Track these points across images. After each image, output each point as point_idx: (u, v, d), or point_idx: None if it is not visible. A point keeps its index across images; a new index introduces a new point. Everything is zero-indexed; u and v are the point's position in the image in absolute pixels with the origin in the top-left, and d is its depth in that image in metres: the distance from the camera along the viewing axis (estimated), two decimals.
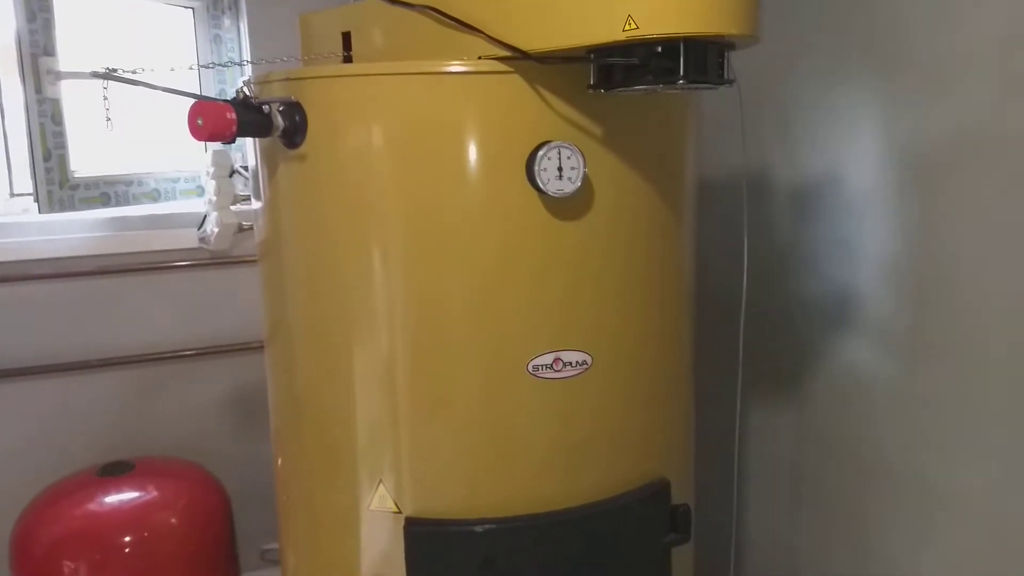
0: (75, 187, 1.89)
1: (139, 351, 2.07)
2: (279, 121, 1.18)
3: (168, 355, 2.09)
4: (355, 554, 1.32)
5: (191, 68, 2.10)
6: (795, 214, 1.78)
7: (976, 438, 1.39)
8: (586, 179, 1.15)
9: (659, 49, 1.02)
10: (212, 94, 2.15)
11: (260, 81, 1.27)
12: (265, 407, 2.19)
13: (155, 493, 1.85)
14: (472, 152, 1.16)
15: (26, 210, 2.02)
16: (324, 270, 1.27)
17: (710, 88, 1.08)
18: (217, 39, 2.18)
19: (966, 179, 1.36)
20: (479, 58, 1.14)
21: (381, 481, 1.25)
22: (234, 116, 1.12)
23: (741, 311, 1.41)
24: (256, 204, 1.43)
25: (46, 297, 1.98)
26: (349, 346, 1.27)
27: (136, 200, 2.06)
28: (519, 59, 1.10)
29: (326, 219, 1.24)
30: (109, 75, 1.19)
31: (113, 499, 1.81)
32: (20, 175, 1.99)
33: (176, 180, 2.14)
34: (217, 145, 2.10)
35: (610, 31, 1.00)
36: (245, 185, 2.09)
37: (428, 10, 1.17)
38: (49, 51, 1.80)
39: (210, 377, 2.16)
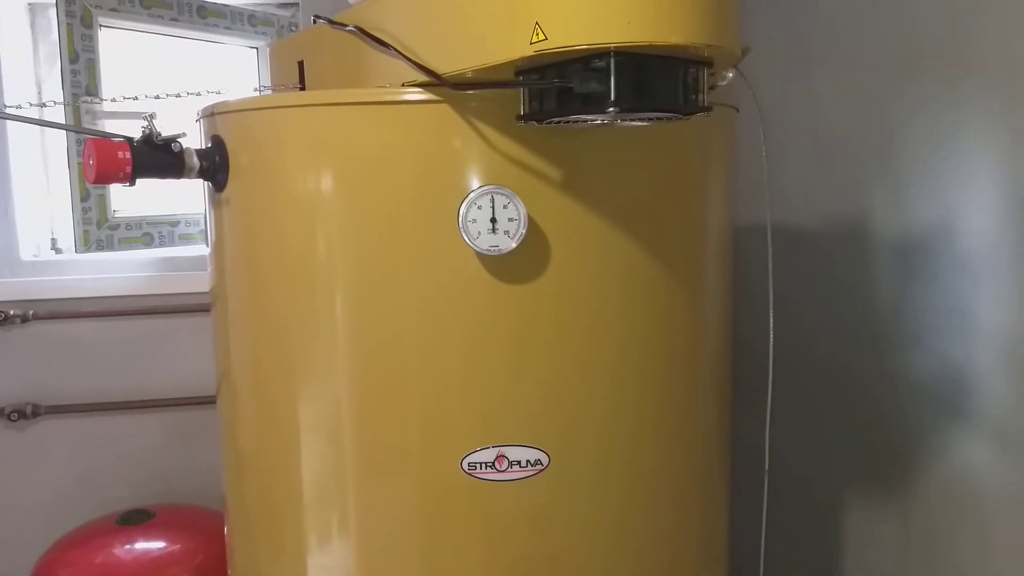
0: (115, 227, 1.86)
1: (183, 393, 2.01)
2: (193, 161, 1.03)
3: (207, 400, 2.01)
4: None
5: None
6: (899, 274, 1.43)
7: None
8: (532, 232, 0.91)
9: (592, 66, 0.77)
10: None
11: (199, 116, 1.13)
12: None
13: (172, 546, 1.75)
14: (398, 196, 0.96)
15: (83, 250, 2.02)
16: (261, 322, 1.10)
17: (669, 119, 0.81)
18: None
19: None
20: (402, 85, 0.93)
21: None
22: (128, 156, 0.98)
23: (769, 386, 1.10)
24: (206, 250, 1.30)
25: (88, 336, 1.97)
26: (291, 405, 1.08)
27: (182, 240, 2.01)
28: (435, 85, 0.88)
29: (259, 265, 1.08)
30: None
31: (129, 550, 1.73)
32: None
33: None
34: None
35: (517, 46, 0.76)
36: None
37: (355, 31, 0.98)
38: (91, 91, 1.79)
39: None
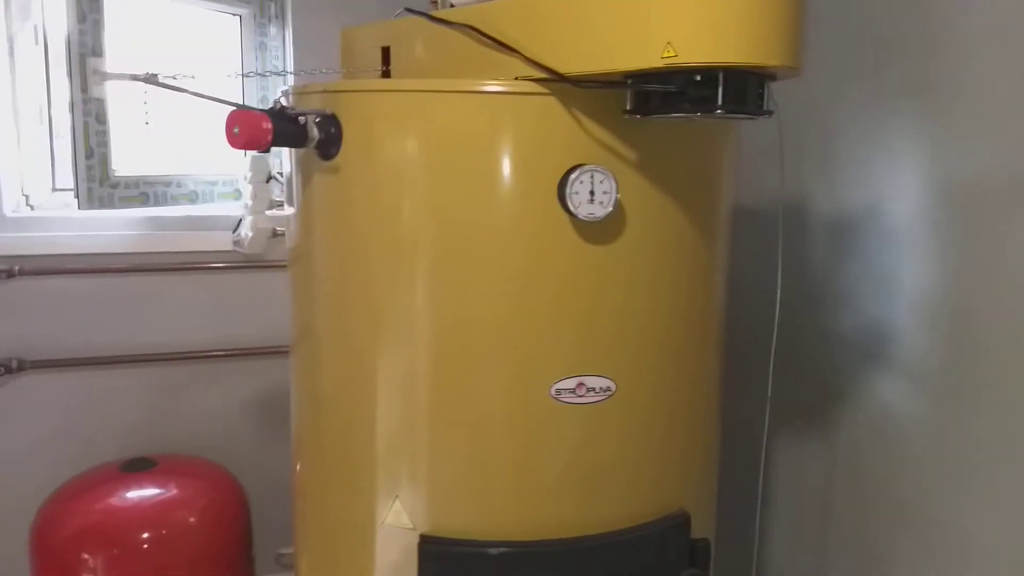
0: (115, 185, 1.92)
1: (167, 349, 2.09)
2: (314, 133, 1.18)
3: (195, 355, 2.11)
4: (368, 567, 1.32)
5: (235, 75, 2.13)
6: (832, 247, 1.75)
7: (1013, 482, 1.35)
8: (617, 204, 1.13)
9: (698, 77, 1.01)
10: (254, 102, 2.17)
11: (298, 92, 1.28)
12: (287, 412, 2.21)
13: (175, 491, 1.86)
14: (504, 172, 1.16)
15: (67, 205, 2.05)
16: (352, 280, 1.27)
17: (748, 118, 1.07)
18: (262, 47, 2.20)
19: (1009, 217, 1.33)
20: (515, 78, 1.13)
21: (397, 497, 1.25)
22: (270, 126, 1.13)
23: (772, 342, 1.39)
24: (289, 210, 1.44)
25: (80, 292, 2.01)
26: (373, 357, 1.27)
27: (174, 201, 2.09)
28: (555, 81, 1.09)
29: (357, 230, 1.24)
30: (151, 79, 1.20)
31: (134, 495, 1.83)
32: (62, 171, 2.03)
33: (214, 183, 2.16)
34: (255, 151, 2.12)
35: (648, 58, 0.99)
36: (281, 191, 2.11)
37: (467, 29, 1.17)
38: (97, 52, 1.83)
39: (234, 379, 2.17)
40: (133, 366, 2.07)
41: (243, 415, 2.18)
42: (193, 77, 1.34)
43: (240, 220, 2.06)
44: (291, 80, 2.11)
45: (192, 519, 1.83)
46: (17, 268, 1.95)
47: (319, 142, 1.19)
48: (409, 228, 1.20)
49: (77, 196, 1.88)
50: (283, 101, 1.16)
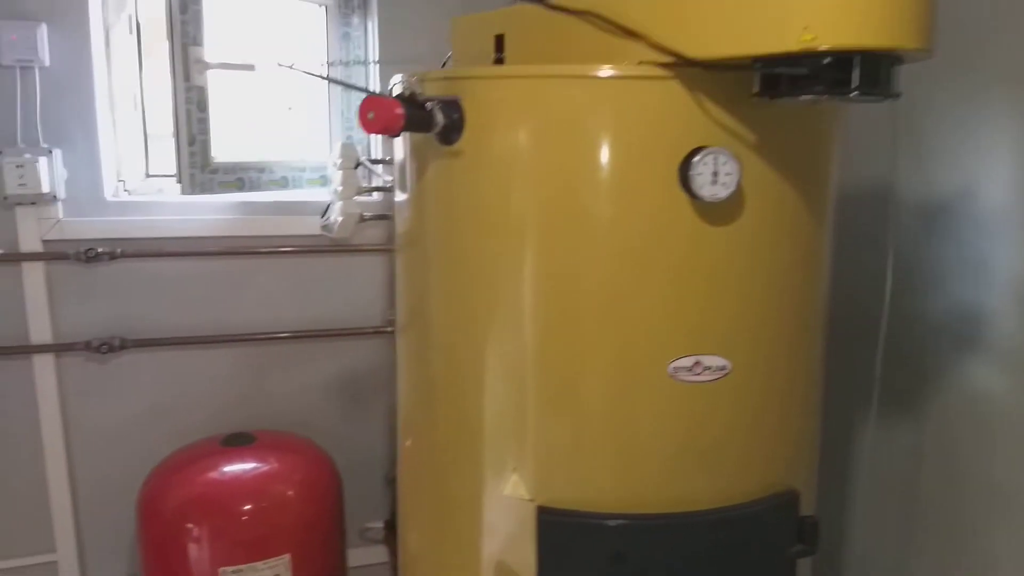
0: (215, 171, 1.99)
1: (258, 330, 2.15)
2: (439, 118, 1.22)
3: (284, 335, 2.17)
4: (481, 538, 1.36)
5: (323, 64, 2.18)
6: (925, 231, 1.75)
7: None
8: (739, 185, 1.16)
9: (828, 60, 1.03)
10: (339, 91, 2.21)
11: (420, 79, 1.32)
12: (370, 390, 2.26)
13: (274, 465, 1.93)
14: (625, 155, 1.18)
15: (160, 190, 2.12)
16: (467, 262, 1.31)
17: (878, 101, 1.08)
18: (346, 36, 2.24)
19: None
20: (639, 63, 1.16)
21: (515, 469, 1.29)
22: (402, 112, 1.16)
23: (881, 326, 1.40)
24: (400, 196, 1.48)
25: (177, 274, 2.08)
26: (486, 335, 1.30)
27: (266, 187, 2.15)
28: (683, 65, 1.12)
29: (474, 214, 1.28)
30: (290, 67, 1.25)
31: (235, 468, 1.90)
32: (155, 157, 2.10)
33: (303, 169, 2.22)
34: (345, 138, 2.18)
35: (784, 41, 1.01)
36: (368, 177, 2.16)
37: (589, 15, 1.20)
38: (198, 41, 1.89)
39: (321, 359, 2.23)
40: (226, 346, 2.14)
41: (329, 393, 2.24)
42: (291, 66, 1.38)
43: (329, 205, 2.12)
44: (377, 70, 2.15)
45: (290, 492, 1.90)
46: (119, 250, 2.02)
47: (443, 128, 1.23)
48: (528, 211, 1.23)
49: (180, 181, 1.95)
50: (412, 88, 1.20)
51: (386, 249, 2.18)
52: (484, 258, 1.29)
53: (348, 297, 2.20)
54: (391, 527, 2.27)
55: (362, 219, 2.09)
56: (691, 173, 1.14)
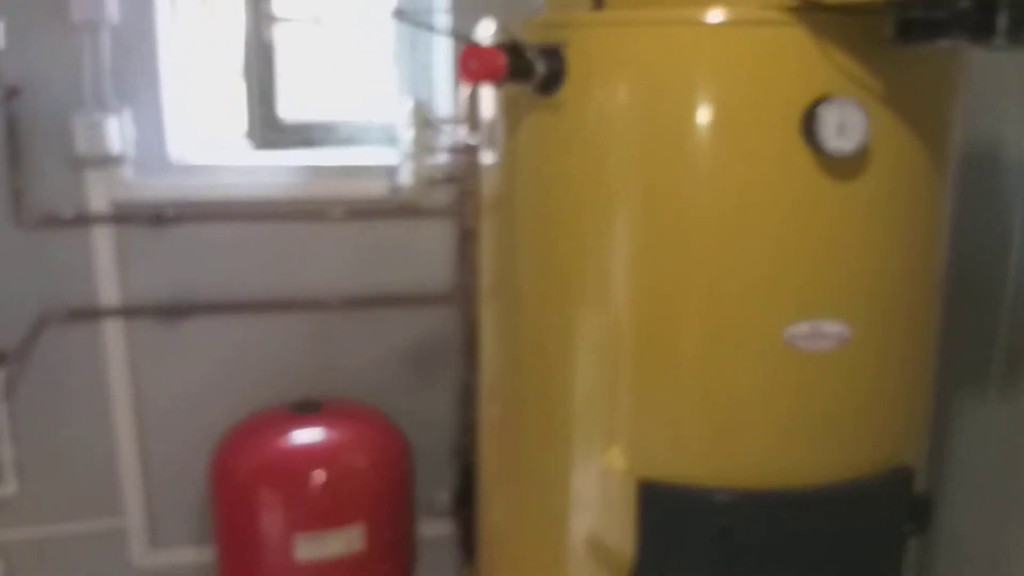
0: (283, 130, 1.94)
1: (324, 295, 2.11)
2: (541, 68, 1.15)
3: (350, 301, 2.13)
4: (572, 513, 1.31)
5: (388, 15, 2.10)
6: None
7: None
8: (865, 138, 1.07)
9: (970, 3, 0.94)
10: (405, 43, 2.13)
11: (519, 26, 1.24)
12: (438, 358, 2.21)
13: (344, 433, 1.90)
14: (740, 104, 1.11)
15: (227, 151, 2.08)
16: (560, 223, 1.25)
17: (1016, 50, 0.99)
18: None
19: None
20: (762, 7, 1.08)
21: (613, 441, 1.23)
22: (504, 61, 1.10)
23: (1005, 294, 1.31)
24: (488, 156, 1.42)
25: (243, 237, 2.04)
26: (580, 302, 1.24)
27: (333, 146, 2.10)
28: (811, 10, 1.03)
29: (570, 171, 1.21)
30: (401, 16, 1.19)
31: (306, 436, 1.87)
32: (226, 118, 2.06)
33: (369, 129, 2.16)
34: (414, 96, 2.10)
35: None
36: (439, 137, 2.09)
37: None
38: None
39: (386, 326, 2.17)
40: (291, 311, 2.10)
41: (393, 361, 2.20)
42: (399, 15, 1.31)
43: (398, 166, 2.06)
44: (446, 20, 2.07)
45: (363, 461, 1.87)
46: (186, 213, 1.99)
47: (544, 78, 1.16)
48: (631, 167, 1.16)
49: (250, 139, 1.90)
50: (514, 37, 1.13)
51: (455, 213, 2.11)
52: (580, 219, 1.22)
53: (415, 263, 2.15)
54: (458, 499, 2.23)
55: (433, 181, 2.03)
56: (815, 125, 1.06)
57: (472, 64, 1.09)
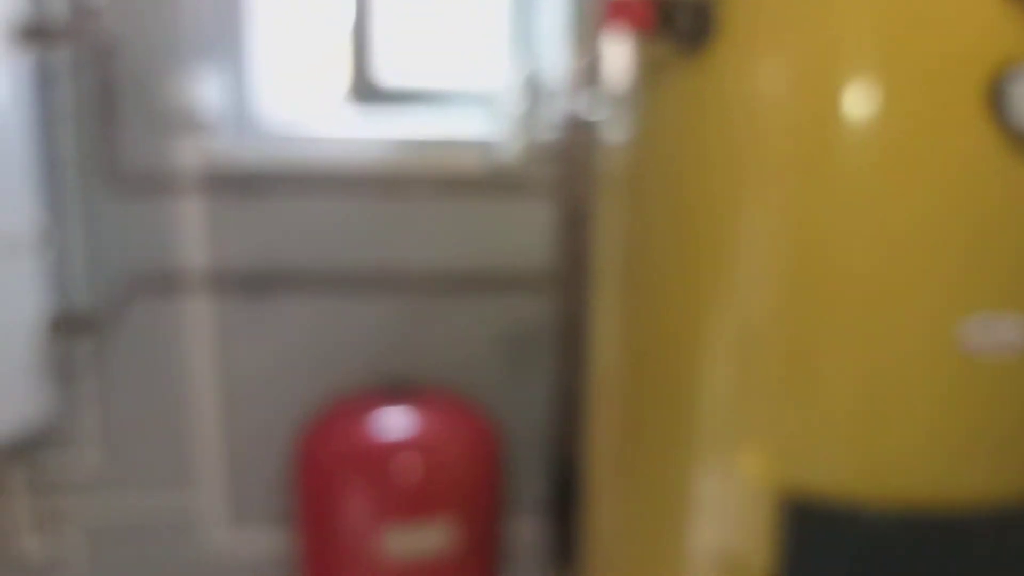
0: (382, 97, 1.85)
1: (413, 274, 2.01)
2: (688, 22, 1.02)
3: (444, 280, 2.03)
4: (695, 522, 1.19)
5: None
6: None
7: None
8: None
9: None
10: (517, 6, 2.01)
11: None
12: (533, 345, 2.10)
13: (437, 421, 1.81)
14: (915, 71, 0.96)
15: (321, 118, 2.01)
16: (700, 206, 1.12)
17: None
18: None
19: None
20: None
21: (751, 447, 1.10)
22: (653, 13, 0.98)
23: None
24: (613, 128, 1.30)
25: (334, 210, 1.96)
26: (716, 293, 1.12)
27: (435, 115, 2.00)
28: None
29: (715, 147, 1.09)
30: None
31: (397, 421, 1.78)
32: (320, 85, 1.98)
33: (472, 97, 2.05)
34: (522, 65, 1.98)
35: None
36: (544, 109, 1.97)
37: None
38: None
39: (479, 309, 2.07)
40: (380, 290, 2.01)
41: (487, 347, 2.09)
42: None
43: (501, 139, 1.95)
44: None
45: (455, 452, 1.78)
46: (275, 182, 1.91)
47: (691, 33, 1.03)
48: (791, 143, 1.03)
49: (347, 105, 1.82)
50: None
51: (559, 192, 1.99)
52: (722, 201, 1.10)
53: (512, 244, 2.03)
54: (552, 499, 2.12)
55: (537, 157, 1.92)
56: (1005, 97, 0.91)
57: (618, 16, 0.97)
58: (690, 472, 1.18)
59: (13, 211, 1.62)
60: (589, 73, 1.88)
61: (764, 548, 1.09)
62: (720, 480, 1.15)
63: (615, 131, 1.30)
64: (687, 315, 1.16)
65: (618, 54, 1.25)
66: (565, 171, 1.98)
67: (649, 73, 1.16)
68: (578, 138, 1.95)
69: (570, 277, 2.01)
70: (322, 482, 1.74)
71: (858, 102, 0.99)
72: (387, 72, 1.96)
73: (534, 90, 1.88)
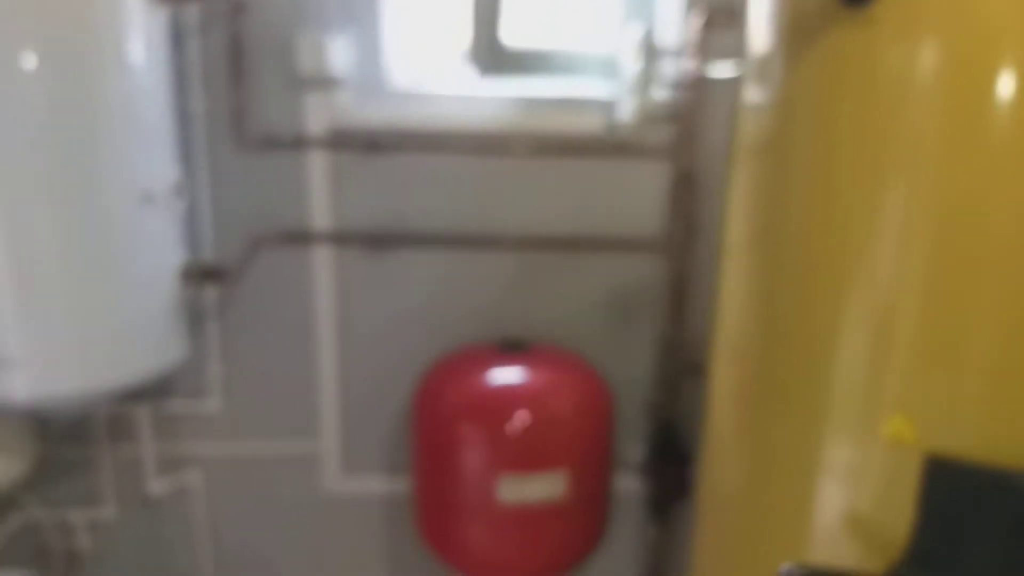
0: (505, 57, 1.86)
1: (528, 234, 2.04)
2: None
3: (556, 241, 2.04)
4: (824, 484, 1.19)
5: None
6: None
7: None
8: None
9: None
10: None
11: None
12: (639, 307, 2.11)
13: (551, 376, 1.84)
14: None
15: (443, 79, 2.03)
16: (848, 174, 1.11)
17: None
18: None
19: None
20: None
21: (890, 412, 1.10)
22: None
23: None
24: (754, 90, 1.29)
25: (453, 169, 1.99)
26: (864, 260, 1.11)
27: (552, 76, 2.00)
28: None
29: (871, 112, 1.08)
30: None
31: (513, 375, 1.82)
32: (442, 47, 2.00)
33: (590, 59, 2.04)
34: (640, 25, 1.97)
35: None
36: (661, 70, 1.95)
37: None
38: None
39: (589, 269, 2.08)
40: (495, 248, 2.04)
41: (595, 306, 2.11)
42: None
43: (617, 102, 1.95)
44: None
45: (568, 406, 1.81)
46: (399, 142, 1.95)
47: None
48: (943, 107, 1.02)
49: (471, 66, 1.84)
50: None
51: (672, 154, 1.98)
52: (869, 165, 1.09)
53: (624, 205, 2.04)
54: (652, 455, 2.15)
55: (654, 118, 1.91)
56: None
57: None
58: (821, 435, 1.19)
59: (150, 165, 1.68)
60: (702, 34, 1.87)
61: (904, 511, 1.09)
62: (859, 444, 1.15)
63: (756, 92, 1.29)
64: (829, 281, 1.16)
65: (764, 8, 1.24)
66: (678, 134, 1.97)
67: (803, 28, 1.14)
68: (691, 100, 1.94)
69: (680, 239, 2.02)
70: (440, 432, 1.79)
71: (1013, 76, 0.97)
72: (509, 34, 1.96)
73: (651, 51, 1.87)
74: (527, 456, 1.73)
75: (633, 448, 2.13)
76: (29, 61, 1.45)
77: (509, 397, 1.77)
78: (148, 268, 1.70)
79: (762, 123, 1.28)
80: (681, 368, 2.09)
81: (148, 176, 1.67)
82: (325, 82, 1.87)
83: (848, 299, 1.14)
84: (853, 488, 1.18)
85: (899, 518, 1.11)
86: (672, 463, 2.09)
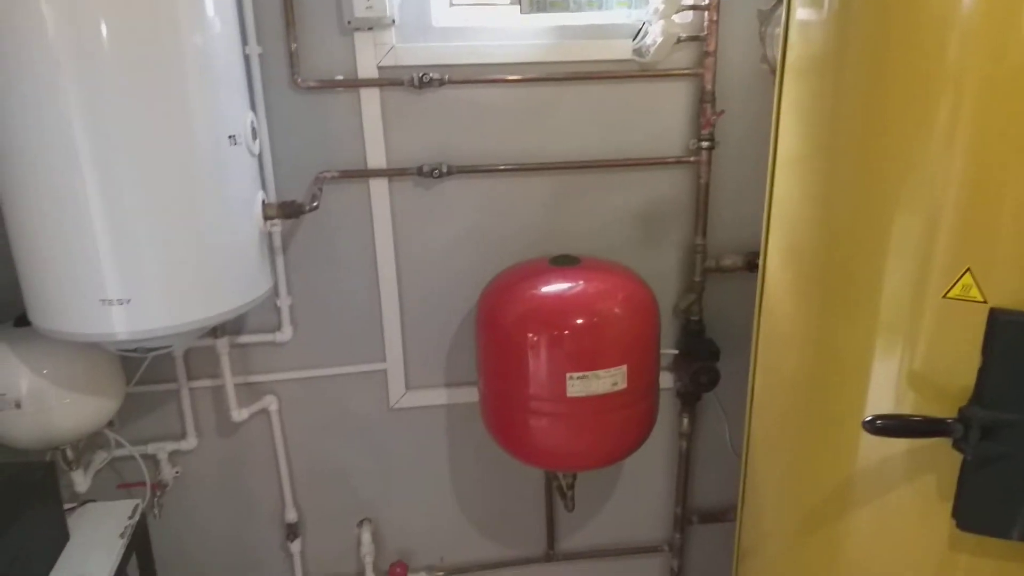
0: None
1: (565, 159, 2.20)
2: None
3: (589, 164, 2.21)
4: (889, 340, 1.32)
5: None
6: None
7: None
8: None
9: None
10: None
11: None
12: (666, 220, 2.30)
13: (605, 284, 2.03)
14: None
15: (484, 13, 2.14)
16: (898, 75, 1.21)
17: None
18: None
19: None
20: None
21: (968, 270, 1.21)
22: None
23: None
24: (807, 9, 1.43)
25: (495, 101, 2.14)
26: (914, 160, 1.22)
27: (578, 8, 2.14)
28: None
29: (920, 26, 1.18)
30: None
31: (567, 285, 2.01)
32: None
33: None
34: None
35: None
36: None
37: None
38: None
39: (621, 188, 2.26)
40: (536, 174, 2.21)
41: (627, 221, 2.29)
42: None
43: (643, 26, 2.10)
44: None
45: (616, 309, 2.00)
46: (446, 77, 2.07)
47: None
48: (998, 15, 1.11)
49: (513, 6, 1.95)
50: None
51: (694, 74, 2.16)
52: (927, 77, 1.18)
53: (652, 125, 2.21)
54: (683, 352, 2.38)
55: (679, 40, 2.07)
56: None
57: None
58: (883, 308, 1.31)
59: (232, 108, 1.78)
60: None
61: (969, 364, 1.23)
62: (920, 299, 1.27)
63: (807, 11, 1.41)
64: (884, 184, 1.28)
65: None
66: (699, 54, 2.14)
67: None
68: (710, 21, 2.10)
69: (703, 155, 2.21)
70: (512, 339, 1.97)
71: None
72: None
73: None
74: (591, 355, 1.93)
75: (664, 346, 2.36)
76: (115, 24, 1.55)
77: (572, 303, 1.96)
78: (237, 207, 1.81)
79: (814, 41, 1.40)
80: (705, 273, 2.31)
81: (232, 119, 1.77)
82: (375, 21, 1.97)
83: (900, 196, 1.26)
84: (918, 341, 1.29)
85: (963, 368, 1.24)
86: (700, 359, 2.33)
